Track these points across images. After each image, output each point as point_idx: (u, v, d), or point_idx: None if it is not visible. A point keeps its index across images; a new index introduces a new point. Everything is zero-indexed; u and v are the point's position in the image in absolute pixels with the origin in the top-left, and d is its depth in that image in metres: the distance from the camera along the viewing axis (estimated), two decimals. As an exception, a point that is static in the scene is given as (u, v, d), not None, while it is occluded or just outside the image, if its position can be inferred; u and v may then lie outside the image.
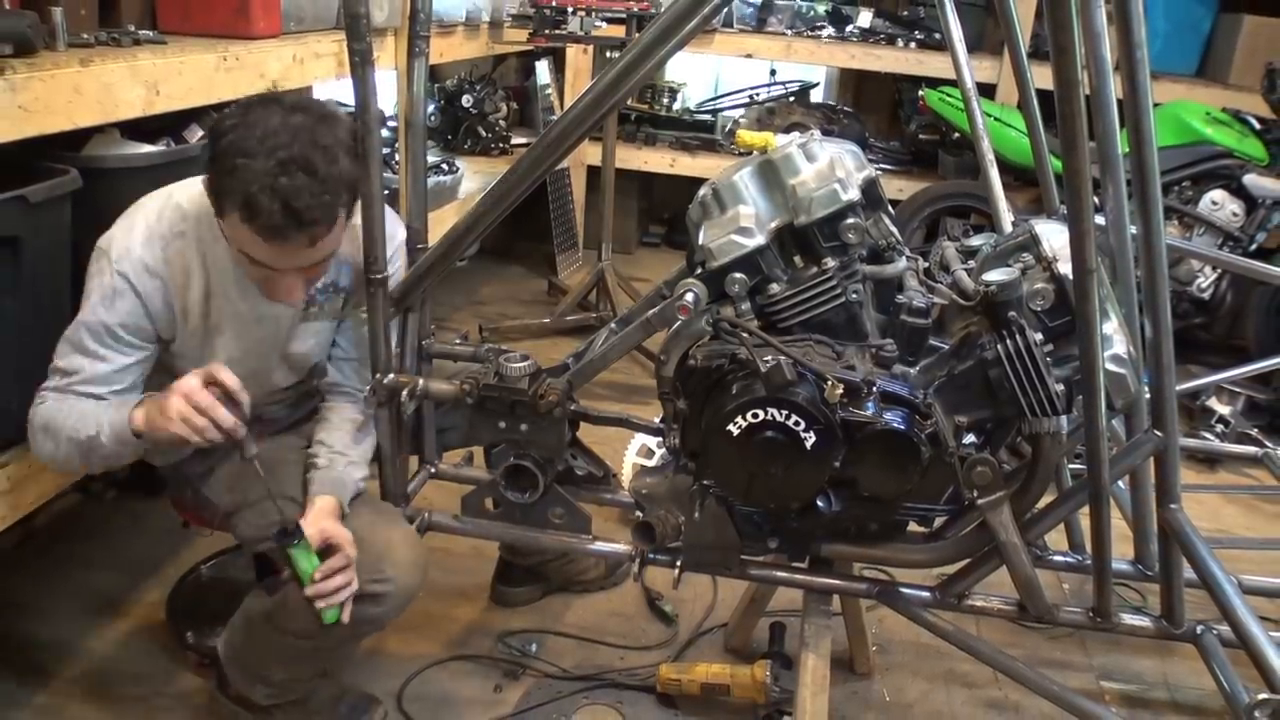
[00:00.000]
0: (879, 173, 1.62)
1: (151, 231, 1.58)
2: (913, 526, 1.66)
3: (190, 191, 1.62)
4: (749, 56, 4.46)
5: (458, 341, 1.90)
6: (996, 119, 3.80)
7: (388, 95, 3.35)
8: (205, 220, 1.59)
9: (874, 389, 1.42)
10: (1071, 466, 1.99)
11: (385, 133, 3.18)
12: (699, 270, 1.52)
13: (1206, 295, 3.58)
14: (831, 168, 1.49)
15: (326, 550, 1.57)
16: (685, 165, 4.50)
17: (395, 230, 1.75)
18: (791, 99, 4.73)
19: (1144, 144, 1.32)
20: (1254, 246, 3.53)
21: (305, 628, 1.61)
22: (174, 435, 1.49)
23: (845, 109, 4.76)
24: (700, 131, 4.67)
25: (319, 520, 1.59)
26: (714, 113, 4.84)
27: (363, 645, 2.05)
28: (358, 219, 1.60)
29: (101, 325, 1.56)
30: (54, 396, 1.58)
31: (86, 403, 1.56)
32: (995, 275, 1.42)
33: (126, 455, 1.60)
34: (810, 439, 1.41)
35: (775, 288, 1.50)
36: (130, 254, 1.56)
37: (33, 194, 1.60)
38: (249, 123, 1.43)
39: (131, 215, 1.61)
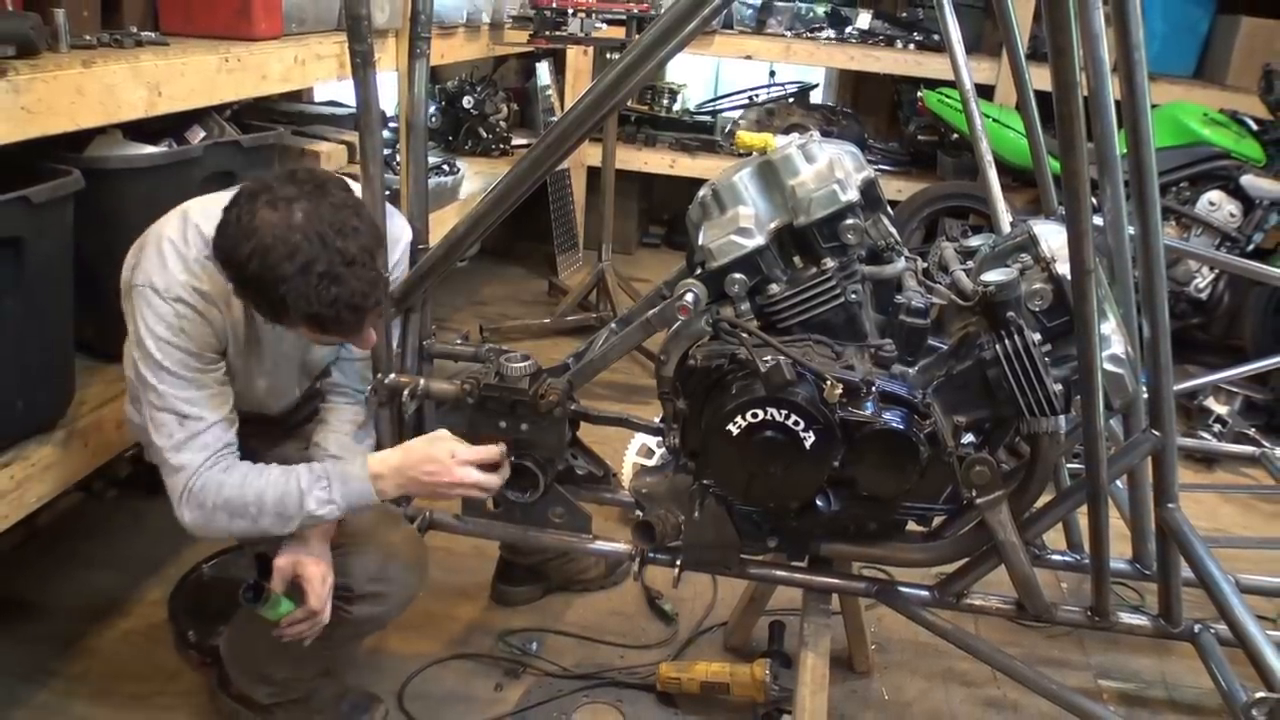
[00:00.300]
0: (878, 173, 1.62)
1: (184, 256, 1.53)
2: (911, 526, 1.66)
3: (205, 217, 1.54)
4: (748, 58, 4.46)
5: (458, 341, 1.90)
6: (995, 120, 3.80)
7: (389, 96, 3.35)
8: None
9: (873, 389, 1.42)
10: (1070, 466, 2.00)
11: (386, 134, 3.18)
12: (699, 271, 1.52)
13: (1204, 295, 3.57)
14: (831, 169, 1.49)
15: (294, 589, 1.58)
16: (685, 166, 4.50)
17: (400, 232, 1.75)
18: (791, 100, 4.73)
19: (1142, 145, 1.32)
20: (1251, 247, 3.54)
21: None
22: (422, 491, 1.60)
23: (844, 110, 4.76)
24: (700, 132, 4.66)
25: (296, 554, 1.58)
26: (714, 114, 4.84)
27: (364, 644, 2.05)
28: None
29: (183, 353, 1.51)
30: (209, 466, 1.53)
31: (267, 472, 1.54)
32: (994, 276, 1.42)
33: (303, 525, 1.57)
34: (809, 439, 1.41)
35: (775, 288, 1.50)
36: (177, 279, 1.51)
37: (35, 195, 1.60)
38: (260, 243, 1.37)
39: (156, 246, 1.54)
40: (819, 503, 1.53)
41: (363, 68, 1.52)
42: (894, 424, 1.42)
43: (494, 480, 1.61)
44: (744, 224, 1.48)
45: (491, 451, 1.61)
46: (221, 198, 1.47)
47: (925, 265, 1.65)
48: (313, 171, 1.49)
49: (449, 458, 1.56)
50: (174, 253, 1.53)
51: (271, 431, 1.82)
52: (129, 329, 1.56)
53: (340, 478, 1.54)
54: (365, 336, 1.56)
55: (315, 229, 1.38)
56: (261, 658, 1.74)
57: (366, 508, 1.56)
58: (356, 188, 1.59)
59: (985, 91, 4.02)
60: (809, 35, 4.45)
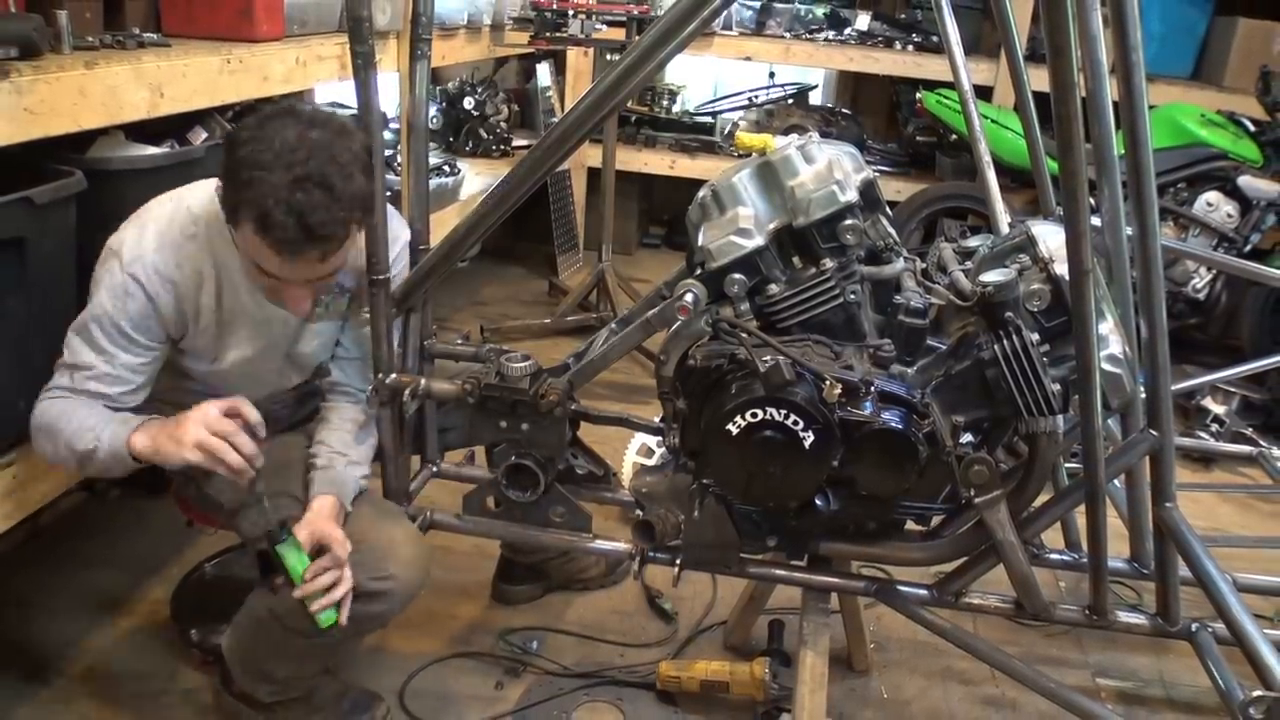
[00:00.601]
0: (877, 174, 1.62)
1: (163, 237, 1.57)
2: (910, 525, 1.66)
3: (201, 195, 1.61)
4: (748, 59, 4.46)
5: (459, 342, 1.90)
6: (993, 121, 3.80)
7: (390, 98, 3.35)
8: (216, 224, 1.58)
9: (872, 389, 1.42)
10: (1068, 465, 1.99)
11: (387, 135, 3.17)
12: (698, 271, 1.52)
13: (1201, 296, 3.58)
14: (830, 169, 1.49)
15: (319, 551, 1.57)
16: (685, 167, 4.50)
17: (400, 231, 1.75)
18: (790, 101, 4.72)
19: (1139, 146, 1.32)
20: (1248, 247, 3.54)
21: (308, 626, 1.61)
22: (182, 461, 1.50)
23: (843, 111, 4.75)
24: (700, 133, 4.67)
25: (315, 521, 1.59)
26: (713, 115, 4.84)
27: (365, 642, 2.05)
28: None
29: (112, 323, 1.56)
30: (61, 396, 1.57)
31: (90, 411, 1.56)
32: (992, 276, 1.42)
33: (119, 471, 1.59)
34: (809, 438, 1.41)
35: (774, 288, 1.50)
36: (142, 258, 1.56)
37: (38, 195, 1.60)
38: (266, 135, 1.42)
39: (142, 218, 1.60)
40: (818, 502, 1.53)
41: (364, 69, 1.52)
42: (893, 424, 1.42)
43: (232, 455, 1.50)
44: (743, 225, 1.48)
45: (249, 411, 1.54)
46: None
47: (924, 266, 1.65)
48: (350, 121, 1.53)
49: (201, 409, 1.52)
50: (154, 229, 1.58)
51: (272, 429, 1.82)
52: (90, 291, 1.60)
53: (114, 426, 1.54)
54: (297, 291, 1.56)
55: (318, 148, 1.42)
56: (263, 656, 1.74)
57: (123, 458, 1.53)
58: None
59: (984, 93, 4.03)
60: (808, 37, 4.45)
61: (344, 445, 1.73)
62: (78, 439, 1.53)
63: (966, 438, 1.50)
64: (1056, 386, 1.41)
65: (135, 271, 1.55)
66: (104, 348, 1.57)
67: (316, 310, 1.72)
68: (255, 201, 1.41)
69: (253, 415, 1.54)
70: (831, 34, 4.45)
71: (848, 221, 1.47)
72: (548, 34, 3.42)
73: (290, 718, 1.82)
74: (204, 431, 1.49)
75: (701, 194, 1.57)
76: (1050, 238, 1.47)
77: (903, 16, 4.52)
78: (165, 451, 1.52)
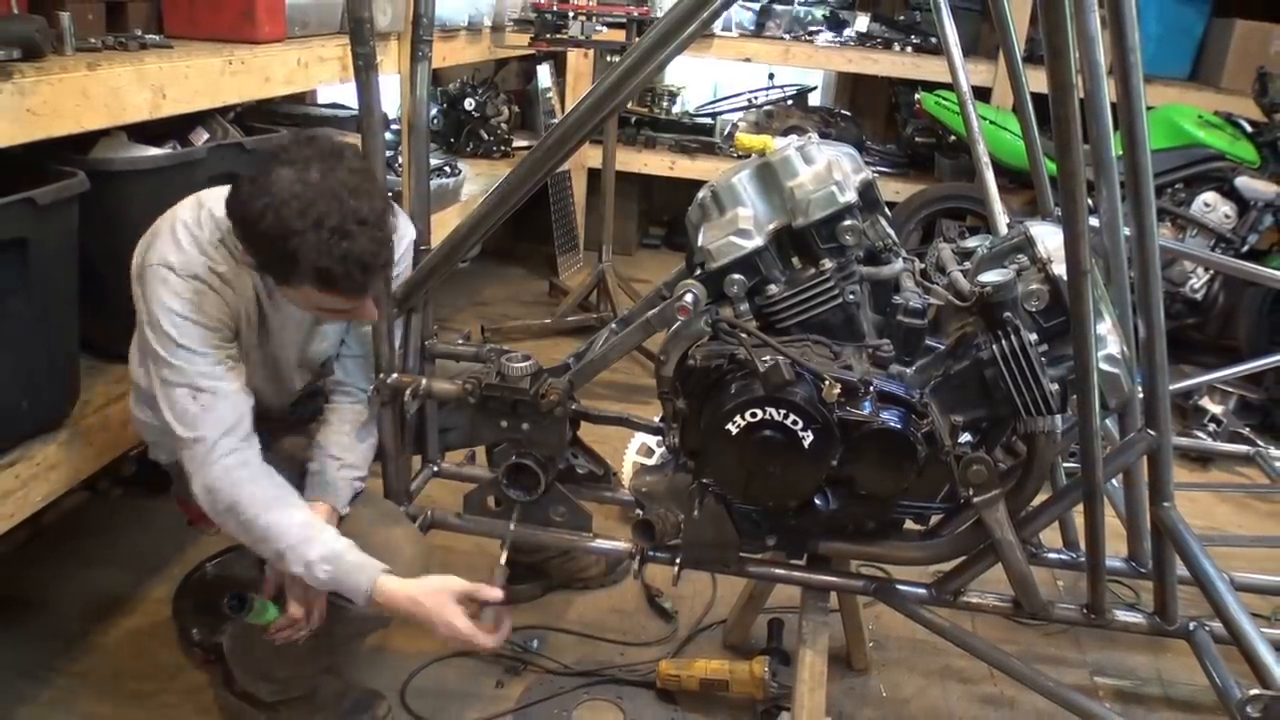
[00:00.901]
0: (876, 175, 1.62)
1: (198, 239, 1.54)
2: (909, 524, 1.66)
3: (219, 197, 1.54)
4: (747, 60, 4.46)
5: (460, 342, 1.90)
6: (992, 122, 3.79)
7: (391, 99, 3.35)
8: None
9: (871, 388, 1.42)
10: (1066, 465, 1.99)
11: (389, 136, 3.18)
12: (698, 271, 1.52)
13: (1199, 296, 3.58)
14: (829, 170, 1.49)
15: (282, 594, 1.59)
16: (685, 168, 4.50)
17: (406, 230, 1.75)
18: (789, 102, 4.72)
19: (1137, 147, 1.32)
20: (1246, 248, 3.54)
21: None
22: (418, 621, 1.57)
23: (843, 112, 4.75)
24: (699, 134, 4.66)
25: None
26: (713, 116, 4.84)
27: (367, 641, 2.05)
28: None
29: (194, 325, 1.51)
30: (229, 462, 1.52)
31: (287, 506, 1.54)
32: (991, 276, 1.42)
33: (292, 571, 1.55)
34: (808, 438, 1.41)
35: (773, 289, 1.50)
36: (194, 258, 1.53)
37: (41, 196, 1.60)
38: (275, 198, 1.38)
39: (170, 229, 1.55)
40: (817, 501, 1.53)
41: (365, 70, 1.52)
42: (892, 423, 1.42)
43: (487, 641, 1.60)
44: (743, 225, 1.48)
45: (495, 594, 1.61)
46: None
47: (923, 266, 1.65)
48: (330, 138, 1.50)
49: (454, 617, 1.56)
50: (188, 234, 1.54)
51: (276, 427, 1.82)
52: (141, 311, 1.54)
53: (350, 570, 1.53)
54: (367, 307, 1.56)
55: (330, 187, 1.39)
56: (263, 657, 1.74)
57: (359, 597, 1.54)
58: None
59: (982, 94, 4.02)
60: (807, 38, 4.45)
61: (340, 449, 1.73)
62: (285, 534, 1.52)
63: (965, 437, 1.50)
64: (1055, 386, 1.41)
65: (194, 271, 1.52)
66: (208, 355, 1.52)
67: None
68: (306, 267, 1.40)
69: (493, 595, 1.61)
70: (831, 36, 4.44)
71: (847, 222, 1.47)
72: (548, 35, 3.41)
73: (292, 717, 1.82)
74: (453, 630, 1.56)
75: (701, 195, 1.57)
76: (1048, 238, 1.47)
77: (901, 18, 4.52)
78: (412, 616, 1.57)
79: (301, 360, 1.77)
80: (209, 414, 1.52)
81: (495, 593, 1.60)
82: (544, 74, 4.56)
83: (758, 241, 1.48)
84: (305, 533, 1.52)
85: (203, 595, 2.14)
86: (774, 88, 4.86)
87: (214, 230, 1.55)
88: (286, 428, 1.84)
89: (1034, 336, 1.41)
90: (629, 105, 4.40)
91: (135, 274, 1.55)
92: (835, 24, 4.49)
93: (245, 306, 1.60)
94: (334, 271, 1.40)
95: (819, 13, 4.58)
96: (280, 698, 1.80)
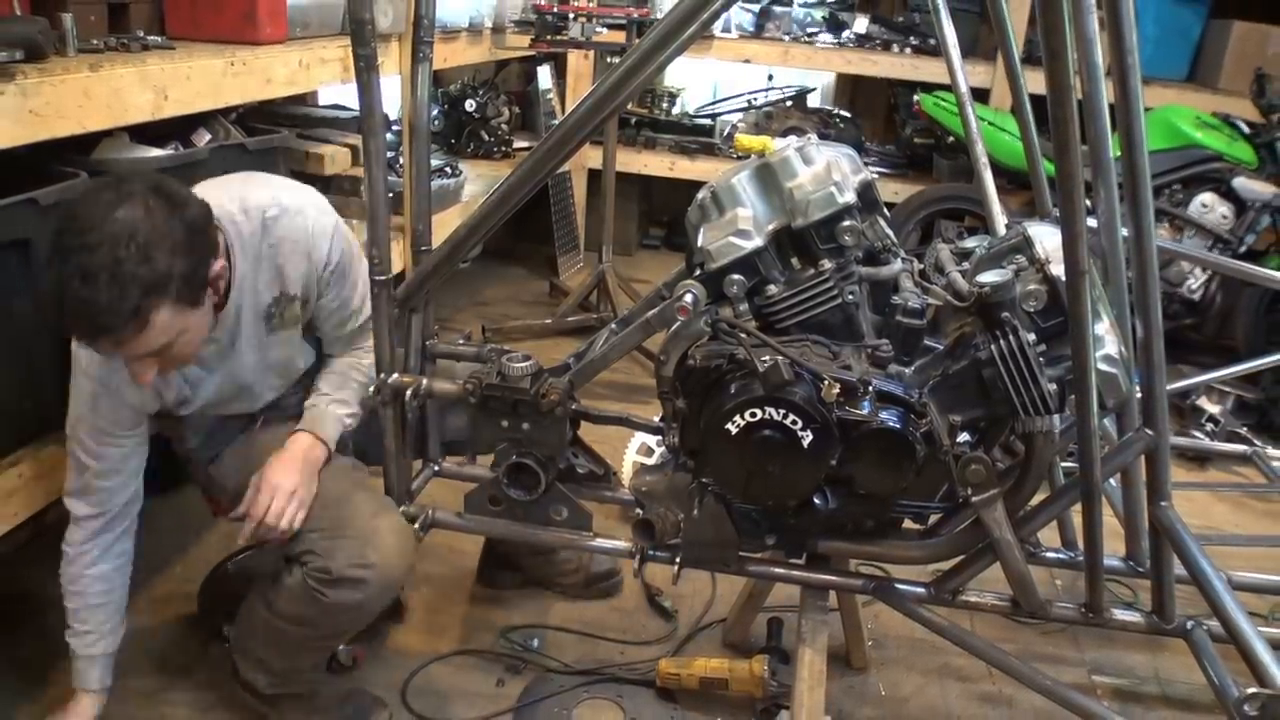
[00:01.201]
0: (875, 176, 1.62)
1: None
2: (908, 524, 1.66)
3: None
4: (747, 62, 4.46)
5: (461, 342, 1.90)
6: (990, 123, 3.79)
7: (392, 100, 3.34)
8: None
9: (870, 388, 1.42)
10: (1064, 465, 1.99)
11: (390, 137, 3.18)
12: (698, 272, 1.52)
13: (1197, 296, 3.58)
14: (828, 171, 1.49)
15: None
16: (684, 169, 4.50)
17: (317, 230, 1.72)
18: (789, 103, 4.72)
19: (1135, 148, 1.32)
20: (1243, 248, 3.54)
21: (295, 613, 1.65)
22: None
23: (842, 113, 4.75)
24: (699, 135, 4.66)
25: (267, 469, 1.66)
26: (713, 117, 4.84)
27: (366, 639, 2.05)
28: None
29: (97, 427, 1.62)
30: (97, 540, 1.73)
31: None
32: (989, 277, 1.41)
33: None
34: (807, 438, 1.41)
35: (773, 289, 1.50)
36: (90, 355, 1.58)
37: (44, 197, 1.60)
38: (73, 215, 1.37)
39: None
40: (816, 501, 1.53)
41: (366, 71, 1.52)
42: (890, 423, 1.42)
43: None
44: (742, 226, 1.48)
45: None
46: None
47: (921, 266, 1.65)
48: (170, 188, 1.45)
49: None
50: None
51: (268, 415, 1.86)
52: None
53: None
54: (135, 367, 1.49)
55: (105, 239, 1.35)
56: (259, 646, 1.76)
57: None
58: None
59: (981, 95, 4.03)
60: (807, 40, 4.45)
61: (329, 385, 1.80)
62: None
63: (963, 437, 1.50)
64: (1053, 386, 1.41)
65: (95, 371, 1.59)
66: (102, 450, 1.66)
67: (273, 323, 1.72)
68: (46, 294, 1.39)
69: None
70: (830, 37, 4.45)
71: (846, 223, 1.47)
72: (548, 37, 3.42)
73: (291, 714, 1.83)
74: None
75: (701, 195, 1.57)
76: (1047, 239, 1.47)
77: (900, 20, 4.52)
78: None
79: (264, 366, 1.77)
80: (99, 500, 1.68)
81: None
82: (544, 75, 4.56)
83: (757, 242, 1.48)
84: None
85: (226, 592, 2.12)
86: (773, 89, 4.87)
87: None
88: (290, 416, 1.85)
89: (1032, 336, 1.41)
90: (629, 106, 4.41)
91: None
92: (834, 25, 4.50)
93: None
94: (50, 311, 1.39)
95: (818, 14, 4.58)
96: (277, 691, 1.80)
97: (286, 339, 1.77)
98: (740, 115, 4.72)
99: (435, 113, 4.16)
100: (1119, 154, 1.35)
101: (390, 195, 1.72)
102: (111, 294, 1.35)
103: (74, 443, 1.64)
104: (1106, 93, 1.31)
